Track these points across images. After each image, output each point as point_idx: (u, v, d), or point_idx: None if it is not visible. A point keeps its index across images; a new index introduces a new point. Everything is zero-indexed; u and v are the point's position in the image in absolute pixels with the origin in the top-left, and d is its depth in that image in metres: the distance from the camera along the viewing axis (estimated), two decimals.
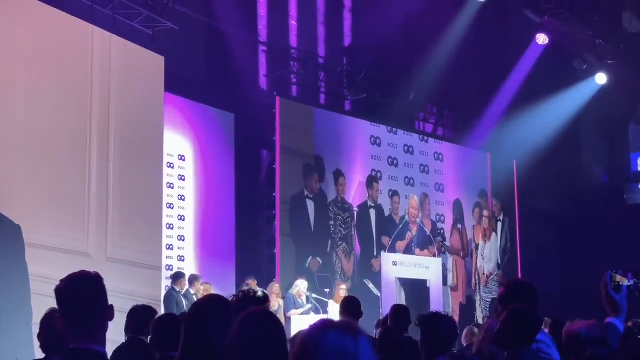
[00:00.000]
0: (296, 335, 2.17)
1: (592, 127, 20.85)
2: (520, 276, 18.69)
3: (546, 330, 5.38)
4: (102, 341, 2.94)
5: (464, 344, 9.72)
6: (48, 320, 4.02)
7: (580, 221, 19.90)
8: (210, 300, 3.30)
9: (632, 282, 3.74)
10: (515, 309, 3.76)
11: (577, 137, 20.73)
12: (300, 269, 14.38)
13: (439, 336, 4.32)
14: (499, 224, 19.42)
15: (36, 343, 4.48)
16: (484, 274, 18.61)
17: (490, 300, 18.53)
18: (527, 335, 3.73)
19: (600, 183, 21.44)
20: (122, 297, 9.30)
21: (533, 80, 18.15)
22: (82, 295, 2.93)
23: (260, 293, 3.93)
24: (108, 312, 2.98)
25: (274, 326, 2.64)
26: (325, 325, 2.04)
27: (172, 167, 13.40)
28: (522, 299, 4.07)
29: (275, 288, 12.67)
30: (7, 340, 8.86)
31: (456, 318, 17.05)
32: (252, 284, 12.77)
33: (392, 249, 16.42)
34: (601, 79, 18.08)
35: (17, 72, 10.09)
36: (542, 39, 17.14)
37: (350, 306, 6.43)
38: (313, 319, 11.14)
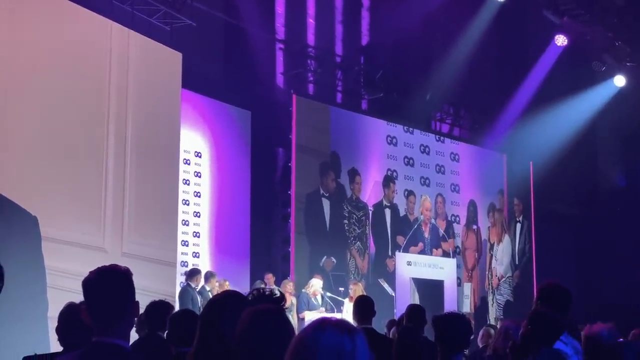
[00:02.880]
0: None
1: (609, 130, 20.71)
2: (535, 279, 18.64)
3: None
4: (127, 337, 2.91)
5: (480, 345, 9.68)
6: (67, 313, 4.02)
7: (597, 224, 19.78)
8: (226, 296, 3.29)
9: None
10: (537, 311, 3.75)
11: (595, 140, 20.61)
12: (315, 267, 14.38)
13: (454, 335, 4.32)
14: (518, 225, 19.34)
15: (51, 336, 4.48)
16: (496, 276, 18.54)
17: (503, 302, 18.47)
18: (547, 336, 3.71)
19: (617, 186, 21.30)
20: (136, 293, 9.30)
21: (551, 82, 18.06)
22: (111, 290, 2.89)
23: (276, 291, 3.90)
24: (135, 309, 2.95)
25: (282, 324, 2.61)
26: (322, 324, 2.07)
27: (188, 164, 13.42)
28: (553, 303, 4.06)
29: (288, 286, 12.65)
30: (22, 333, 8.91)
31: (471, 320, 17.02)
32: (270, 279, 12.74)
33: (407, 249, 16.39)
34: (620, 81, 17.96)
35: (36, 67, 10.13)
36: (561, 40, 17.04)
37: (364, 305, 6.41)
38: None
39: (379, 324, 9.35)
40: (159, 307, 5.29)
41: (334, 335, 2.01)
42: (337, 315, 12.02)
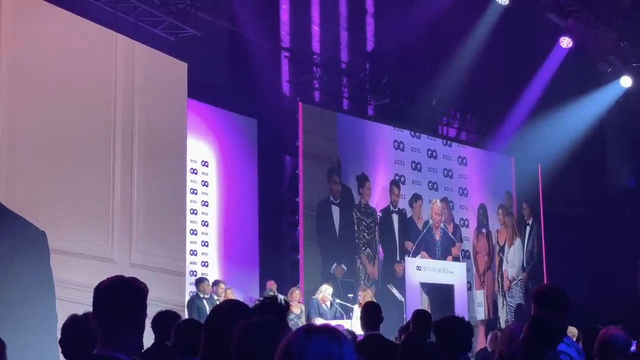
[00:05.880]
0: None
1: (617, 131, 20.67)
2: (545, 282, 18.58)
3: (573, 340, 5.36)
4: (129, 351, 2.85)
5: (489, 349, 9.70)
6: (70, 325, 4.03)
7: (606, 226, 19.72)
8: (229, 305, 3.29)
9: None
10: (539, 315, 3.76)
11: (602, 141, 20.56)
12: (325, 274, 14.38)
13: (454, 338, 4.34)
14: (527, 228, 19.29)
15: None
16: (507, 279, 18.50)
17: (514, 305, 18.42)
18: (549, 341, 3.71)
19: (627, 186, 21.25)
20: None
21: (557, 84, 18.04)
22: (123, 301, 2.81)
23: (281, 300, 3.89)
24: (143, 325, 2.88)
25: (271, 336, 2.59)
26: (309, 330, 2.05)
27: (196, 173, 13.45)
28: (550, 306, 4.07)
29: (296, 294, 12.65)
30: (33, 346, 8.92)
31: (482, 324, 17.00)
32: (272, 286, 12.75)
33: (416, 254, 16.36)
34: (626, 81, 17.93)
35: (43, 79, 10.18)
36: (565, 42, 17.04)
37: (371, 312, 6.42)
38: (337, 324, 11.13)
39: (389, 330, 9.34)
40: (166, 317, 5.30)
41: (322, 341, 1.99)
42: (346, 322, 12.02)
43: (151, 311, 5.85)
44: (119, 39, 11.37)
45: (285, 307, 3.80)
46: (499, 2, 16.27)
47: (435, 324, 4.48)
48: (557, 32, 16.97)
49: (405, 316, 13.49)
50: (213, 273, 13.25)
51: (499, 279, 18.32)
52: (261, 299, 3.81)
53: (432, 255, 16.70)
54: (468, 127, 18.88)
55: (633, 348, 7.59)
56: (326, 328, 2.06)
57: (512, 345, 4.04)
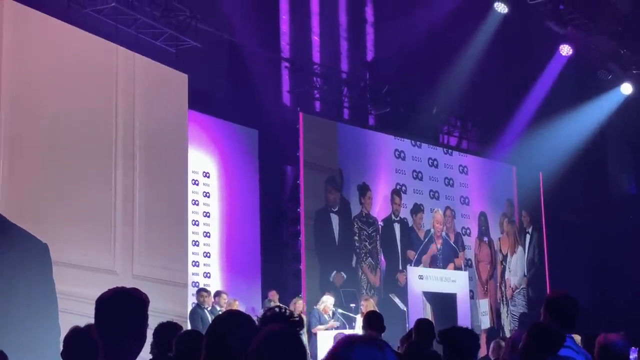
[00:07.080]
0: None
1: (618, 138, 20.67)
2: (548, 289, 18.56)
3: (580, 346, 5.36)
4: None
5: (492, 358, 9.69)
6: (72, 338, 4.04)
7: (609, 233, 19.70)
8: (231, 315, 3.29)
9: None
10: (538, 323, 3.76)
11: (604, 148, 20.56)
12: (326, 283, 14.37)
13: (460, 347, 4.34)
14: (527, 236, 19.27)
15: None
16: (510, 287, 18.48)
17: (518, 314, 18.38)
18: (549, 347, 3.72)
19: (628, 193, 21.23)
20: (148, 314, 9.30)
21: (557, 92, 18.06)
22: (124, 311, 2.82)
23: (296, 316, 3.87)
24: (144, 336, 2.88)
25: (296, 345, 2.61)
26: (350, 340, 2.14)
27: (197, 184, 13.46)
28: (558, 313, 4.09)
29: (299, 304, 12.64)
30: (36, 359, 8.93)
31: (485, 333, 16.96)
32: (273, 296, 12.73)
33: (418, 263, 16.35)
34: (626, 89, 17.95)
35: (44, 92, 10.21)
36: (565, 50, 17.08)
37: (373, 320, 6.44)
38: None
39: (391, 339, 9.33)
40: (167, 329, 5.30)
41: (364, 349, 2.09)
42: (349, 331, 12.01)
43: (153, 322, 5.86)
44: (119, 51, 11.41)
45: (300, 322, 3.80)
46: (499, 10, 16.31)
47: (441, 334, 4.48)
48: (556, 40, 17.01)
49: (407, 325, 13.47)
50: (215, 284, 13.24)
51: (502, 287, 18.29)
52: (276, 310, 3.79)
53: (434, 259, 16.70)
54: (469, 136, 18.88)
55: (635, 355, 7.57)
56: (367, 337, 2.18)
57: (514, 355, 4.04)
